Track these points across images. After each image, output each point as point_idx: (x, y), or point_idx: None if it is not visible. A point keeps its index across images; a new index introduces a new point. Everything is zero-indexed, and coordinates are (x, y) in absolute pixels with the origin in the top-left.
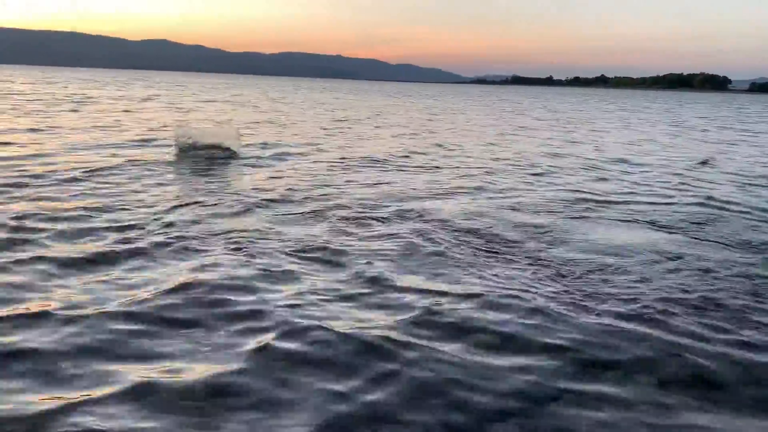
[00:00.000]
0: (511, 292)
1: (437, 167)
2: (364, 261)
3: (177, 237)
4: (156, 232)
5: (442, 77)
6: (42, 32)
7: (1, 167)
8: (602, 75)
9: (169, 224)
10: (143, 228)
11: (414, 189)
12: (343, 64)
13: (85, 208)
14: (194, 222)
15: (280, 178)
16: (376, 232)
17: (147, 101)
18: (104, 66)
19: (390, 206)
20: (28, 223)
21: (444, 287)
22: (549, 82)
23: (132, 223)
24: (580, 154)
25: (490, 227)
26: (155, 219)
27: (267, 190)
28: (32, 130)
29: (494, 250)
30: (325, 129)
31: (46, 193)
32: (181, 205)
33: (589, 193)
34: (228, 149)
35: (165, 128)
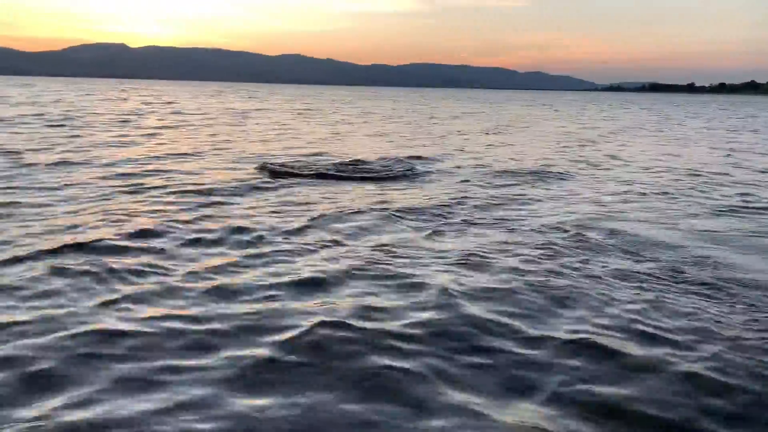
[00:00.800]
0: None
1: None
2: None
3: None
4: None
5: (573, 85)
6: (192, 49)
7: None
8: (752, 81)
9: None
10: None
11: None
12: (469, 73)
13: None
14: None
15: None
16: None
17: (305, 113)
18: (246, 80)
19: None
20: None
21: None
22: (690, 89)
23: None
24: None
25: None
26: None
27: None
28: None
29: None
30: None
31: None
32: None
33: None
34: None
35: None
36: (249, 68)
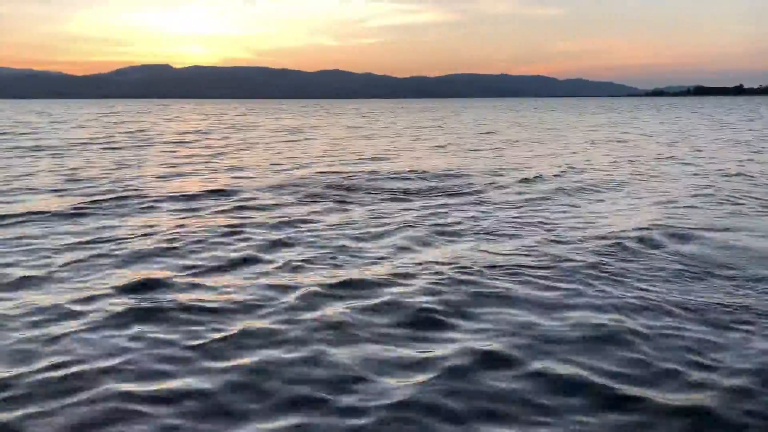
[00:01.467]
0: None
1: None
2: None
3: None
4: None
5: (615, 90)
6: (233, 68)
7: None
8: None
9: None
10: None
11: None
12: (509, 82)
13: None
14: None
15: None
16: None
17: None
18: (288, 96)
19: None
20: None
21: None
22: (738, 91)
23: None
24: None
25: None
26: None
27: None
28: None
29: None
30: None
31: None
32: None
33: None
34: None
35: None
36: (289, 85)
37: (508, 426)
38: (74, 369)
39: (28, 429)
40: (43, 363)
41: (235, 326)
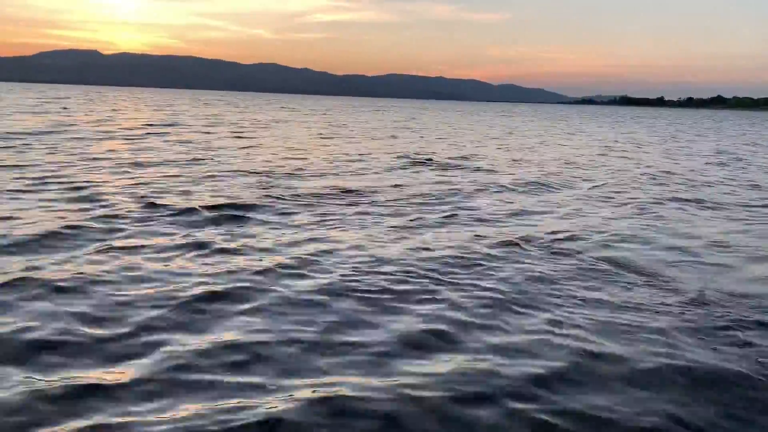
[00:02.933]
0: None
1: None
2: None
3: None
4: None
5: (546, 97)
6: (166, 57)
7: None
8: (719, 95)
9: None
10: None
11: None
12: (445, 85)
13: None
14: None
15: None
16: None
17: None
18: (221, 88)
19: None
20: None
21: None
22: (660, 102)
23: None
24: None
25: None
26: None
27: None
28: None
29: None
30: None
31: None
32: None
33: None
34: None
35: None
36: (224, 77)
37: None
38: None
39: None
40: None
41: None
